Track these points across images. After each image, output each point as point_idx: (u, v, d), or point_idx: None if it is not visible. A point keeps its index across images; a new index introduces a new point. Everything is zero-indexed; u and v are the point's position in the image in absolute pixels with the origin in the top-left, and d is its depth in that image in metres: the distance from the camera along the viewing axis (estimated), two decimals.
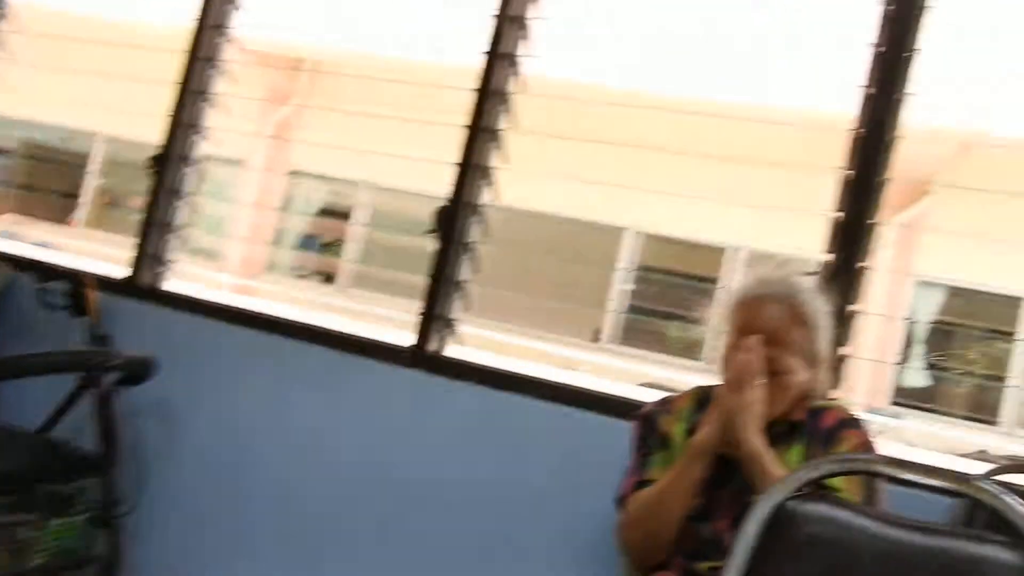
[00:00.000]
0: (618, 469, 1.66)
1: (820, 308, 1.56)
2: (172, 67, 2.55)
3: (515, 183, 2.27)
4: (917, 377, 6.27)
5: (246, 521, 2.30)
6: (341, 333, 2.35)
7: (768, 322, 1.53)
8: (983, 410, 5.87)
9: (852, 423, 1.56)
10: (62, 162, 8.09)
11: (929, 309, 6.47)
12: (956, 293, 6.47)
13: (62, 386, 2.25)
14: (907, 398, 5.62)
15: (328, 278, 8.11)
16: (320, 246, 8.11)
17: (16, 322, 2.57)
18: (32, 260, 2.50)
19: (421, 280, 2.22)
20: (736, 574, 0.89)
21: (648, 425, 1.65)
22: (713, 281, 6.65)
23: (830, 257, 1.84)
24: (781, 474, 1.42)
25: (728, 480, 1.51)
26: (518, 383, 2.11)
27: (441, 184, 2.24)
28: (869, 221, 1.80)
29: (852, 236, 1.81)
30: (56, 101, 2.84)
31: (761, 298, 1.57)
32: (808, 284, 1.63)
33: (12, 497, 2.07)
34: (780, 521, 0.91)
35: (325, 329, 2.37)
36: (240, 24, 2.56)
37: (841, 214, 1.84)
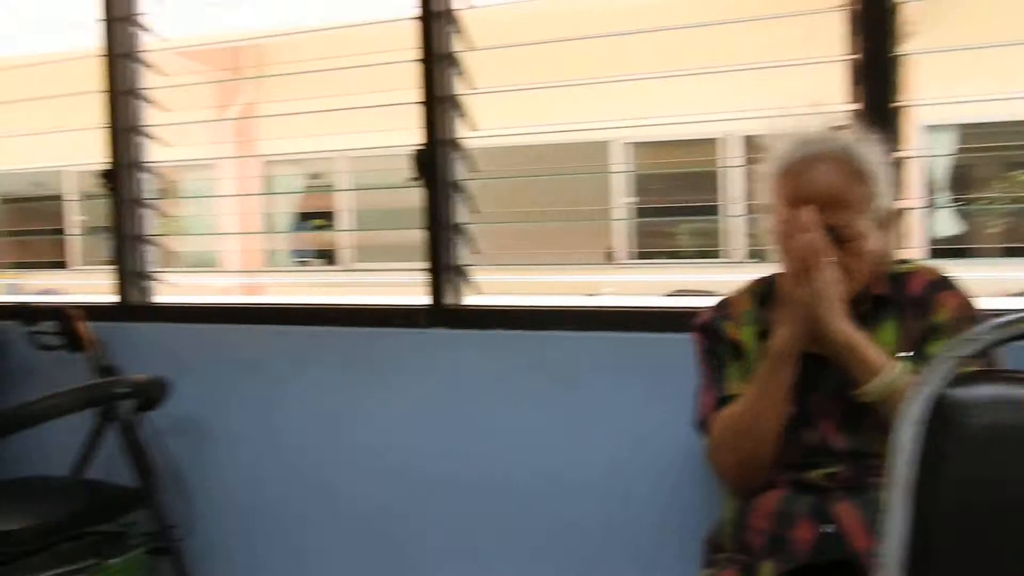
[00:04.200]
0: (687, 387, 1.53)
1: (876, 159, 1.36)
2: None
3: (488, 117, 2.10)
4: (947, 225, 6.08)
5: (297, 520, 2.23)
6: (354, 307, 2.23)
7: (823, 185, 1.32)
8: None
9: (944, 284, 1.37)
10: (40, 206, 7.94)
11: (941, 152, 6.27)
12: (966, 130, 6.27)
13: (81, 426, 2.17)
14: (942, 246, 5.46)
15: (330, 259, 7.99)
16: (313, 227, 7.96)
17: (18, 370, 2.47)
18: (16, 305, 2.37)
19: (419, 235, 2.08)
20: (903, 491, 0.73)
21: (712, 335, 1.48)
22: (713, 176, 6.47)
23: (856, 106, 1.66)
24: (882, 360, 1.28)
25: (819, 379, 1.35)
26: (550, 319, 1.98)
27: (406, 133, 2.08)
28: (891, 54, 1.62)
29: (876, 75, 1.63)
30: (12, 149, 2.70)
31: (808, 160, 1.35)
32: (853, 135, 1.42)
33: (63, 547, 1.99)
34: (942, 416, 0.74)
35: (336, 307, 2.25)
36: (152, 16, 2.39)
37: (857, 55, 1.66)
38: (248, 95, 6.78)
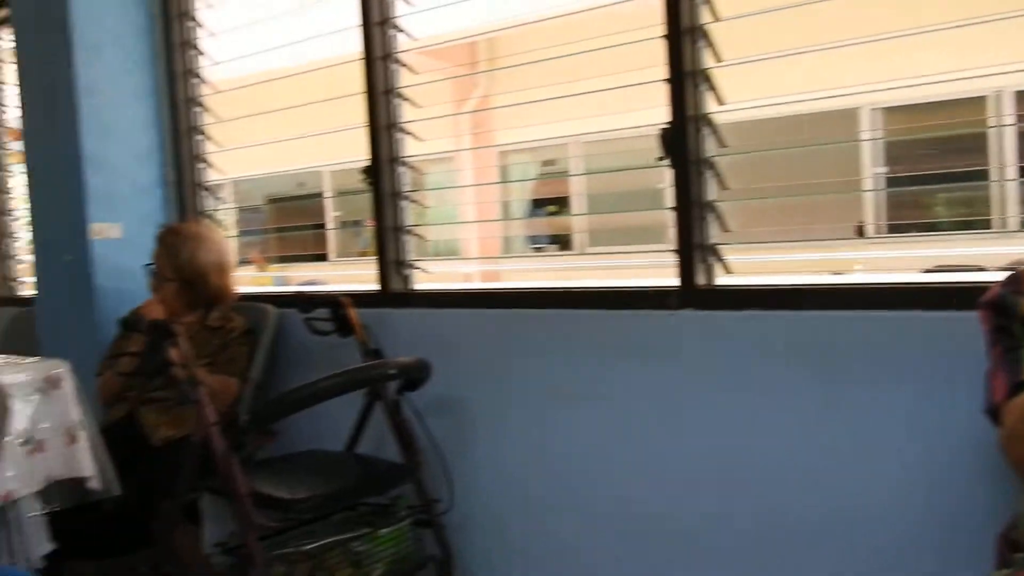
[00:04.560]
0: (970, 371, 1.37)
1: None
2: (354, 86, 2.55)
3: (734, 89, 2.00)
4: None
5: (543, 500, 2.26)
6: (602, 290, 2.21)
7: None
8: None
9: None
10: (302, 204, 8.71)
11: None
12: None
13: (351, 405, 2.34)
14: None
15: (563, 244, 8.07)
16: (548, 213, 8.09)
17: (294, 354, 2.71)
18: (293, 294, 2.60)
19: (662, 218, 2.02)
20: None
21: (1003, 312, 1.32)
22: (977, 139, 5.79)
23: None
24: None
25: None
26: (808, 297, 1.86)
27: (650, 112, 2.02)
28: None
29: None
30: (279, 153, 2.98)
31: None
32: None
33: (339, 516, 2.16)
34: None
35: (585, 290, 2.24)
36: (406, 17, 2.50)
37: None
38: (483, 88, 7.01)
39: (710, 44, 1.97)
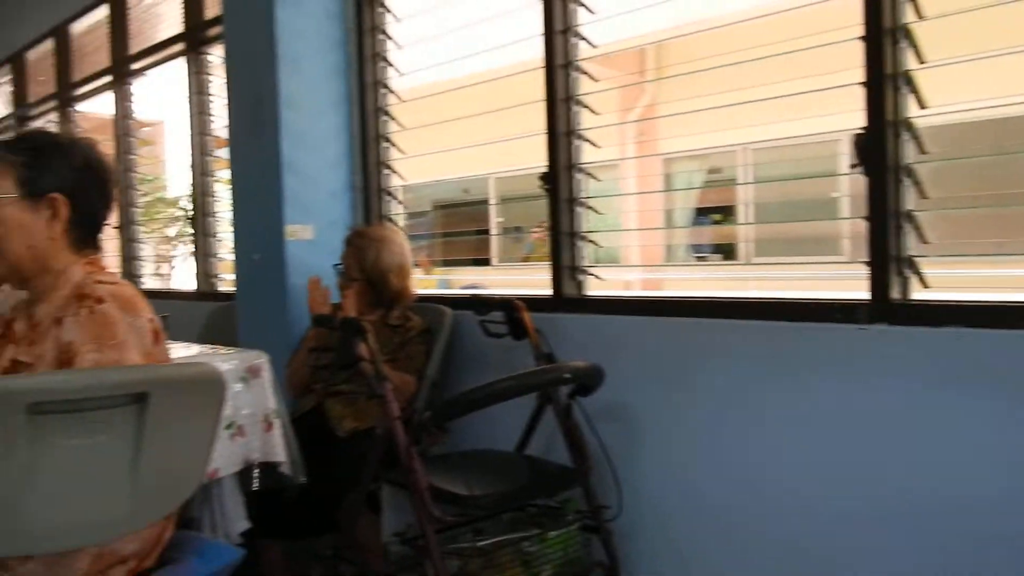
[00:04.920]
0: None
1: None
2: (530, 95, 2.59)
3: (936, 92, 1.88)
4: None
5: (717, 511, 2.22)
6: (784, 301, 2.14)
7: None
8: None
9: None
10: (467, 210, 8.96)
11: None
12: None
13: (522, 407, 2.38)
14: None
15: (728, 255, 7.86)
16: (712, 221, 7.91)
17: (467, 354, 2.78)
18: (468, 297, 2.68)
19: (838, 229, 1.93)
20: None
21: None
22: None
23: None
24: None
25: None
26: (1018, 316, 1.71)
27: (835, 118, 1.93)
28: None
29: None
30: (448, 160, 3.09)
31: None
32: None
33: (508, 515, 2.20)
34: None
35: (765, 300, 2.18)
36: (587, 25, 2.52)
37: None
38: (650, 95, 6.96)
39: (913, 45, 1.86)
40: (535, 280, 2.73)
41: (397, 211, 3.24)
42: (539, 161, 2.61)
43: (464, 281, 6.05)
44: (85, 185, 1.51)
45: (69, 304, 1.43)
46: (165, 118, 7.51)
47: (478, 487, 2.04)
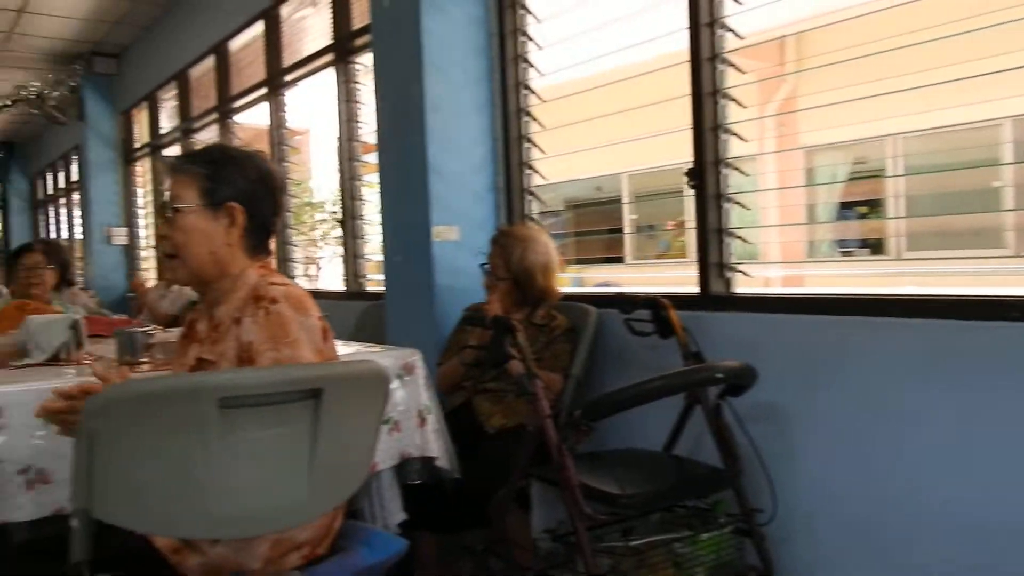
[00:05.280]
0: None
1: None
2: (669, 90, 2.54)
3: None
4: None
5: (874, 520, 2.11)
6: (945, 298, 2.02)
7: None
8: None
9: None
10: (599, 208, 8.94)
11: None
12: None
13: (668, 406, 2.35)
14: None
15: (875, 249, 7.49)
16: (858, 215, 7.56)
17: (611, 354, 2.77)
18: (612, 295, 2.67)
19: (1001, 221, 1.79)
20: None
21: None
22: None
23: None
24: None
25: None
26: None
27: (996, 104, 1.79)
28: None
29: None
30: (581, 159, 3.10)
31: None
32: None
33: (656, 516, 2.18)
34: None
35: (926, 298, 2.06)
36: (733, 16, 2.46)
37: None
38: (790, 86, 6.73)
39: None
40: (672, 277, 2.70)
41: (536, 211, 3.27)
42: (675, 157, 2.57)
43: (597, 279, 6.04)
44: (259, 194, 1.60)
45: (246, 305, 1.53)
46: (310, 126, 7.88)
47: (629, 486, 2.03)
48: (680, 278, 2.71)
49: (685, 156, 2.57)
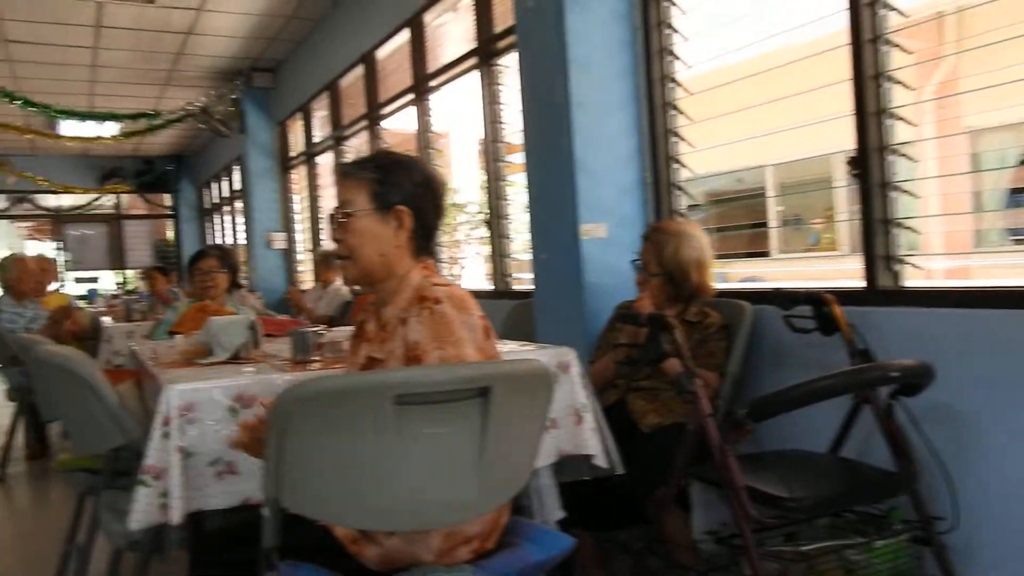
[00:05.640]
0: None
1: None
2: (820, 76, 2.42)
3: None
4: None
5: None
6: None
7: None
8: None
9: None
10: (742, 201, 8.70)
11: None
12: None
13: (834, 406, 2.24)
14: None
15: None
16: None
17: (769, 350, 2.68)
18: (770, 291, 2.58)
19: None
20: None
21: None
22: None
23: None
24: None
25: None
26: None
27: None
28: None
29: None
30: (723, 151, 3.01)
31: None
32: None
33: (824, 521, 2.09)
34: None
35: None
36: None
37: None
38: (949, 67, 6.32)
39: None
40: (824, 271, 2.57)
41: (684, 206, 3.21)
42: (825, 146, 2.45)
43: (741, 275, 5.85)
44: (424, 198, 1.65)
45: (411, 306, 1.57)
46: (450, 129, 8.07)
47: (798, 489, 1.95)
48: (833, 271, 2.58)
49: (840, 144, 2.45)
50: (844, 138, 2.47)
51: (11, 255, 5.37)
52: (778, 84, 2.73)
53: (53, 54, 7.02)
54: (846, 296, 2.40)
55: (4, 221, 13.79)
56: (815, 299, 2.36)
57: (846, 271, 2.52)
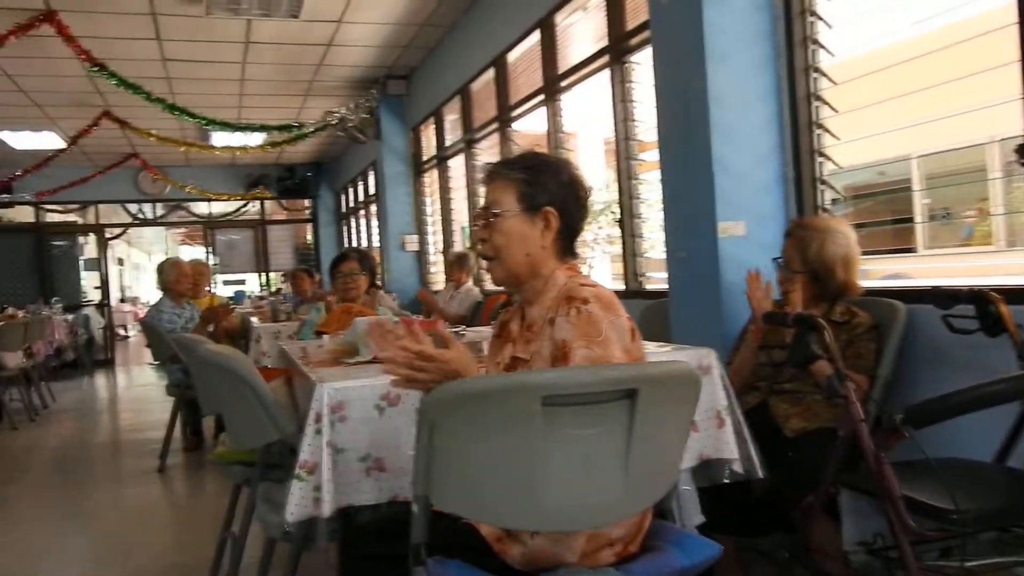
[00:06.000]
0: None
1: None
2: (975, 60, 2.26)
3: None
4: None
5: None
6: None
7: None
8: None
9: None
10: (886, 195, 8.28)
11: None
12: None
13: (999, 412, 2.09)
14: None
15: None
16: None
17: (924, 352, 2.53)
18: (928, 289, 2.43)
19: None
20: None
21: None
22: None
23: None
24: None
25: None
26: None
27: None
28: None
29: None
30: (867, 144, 2.85)
31: None
32: None
33: (988, 535, 1.95)
34: None
35: None
36: None
37: None
38: None
39: None
40: (982, 267, 2.40)
41: (828, 201, 3.08)
42: (975, 135, 2.28)
43: (884, 271, 5.55)
44: (570, 199, 1.65)
45: (559, 305, 1.57)
46: (577, 128, 8.05)
47: (963, 500, 1.83)
48: (990, 267, 2.40)
49: (1001, 131, 2.28)
50: (1006, 125, 2.29)
51: (169, 259, 5.74)
52: (932, 69, 2.58)
53: (205, 70, 7.48)
54: (1015, 294, 2.24)
55: (160, 227, 14.81)
56: (979, 298, 2.20)
57: (1003, 267, 2.33)
